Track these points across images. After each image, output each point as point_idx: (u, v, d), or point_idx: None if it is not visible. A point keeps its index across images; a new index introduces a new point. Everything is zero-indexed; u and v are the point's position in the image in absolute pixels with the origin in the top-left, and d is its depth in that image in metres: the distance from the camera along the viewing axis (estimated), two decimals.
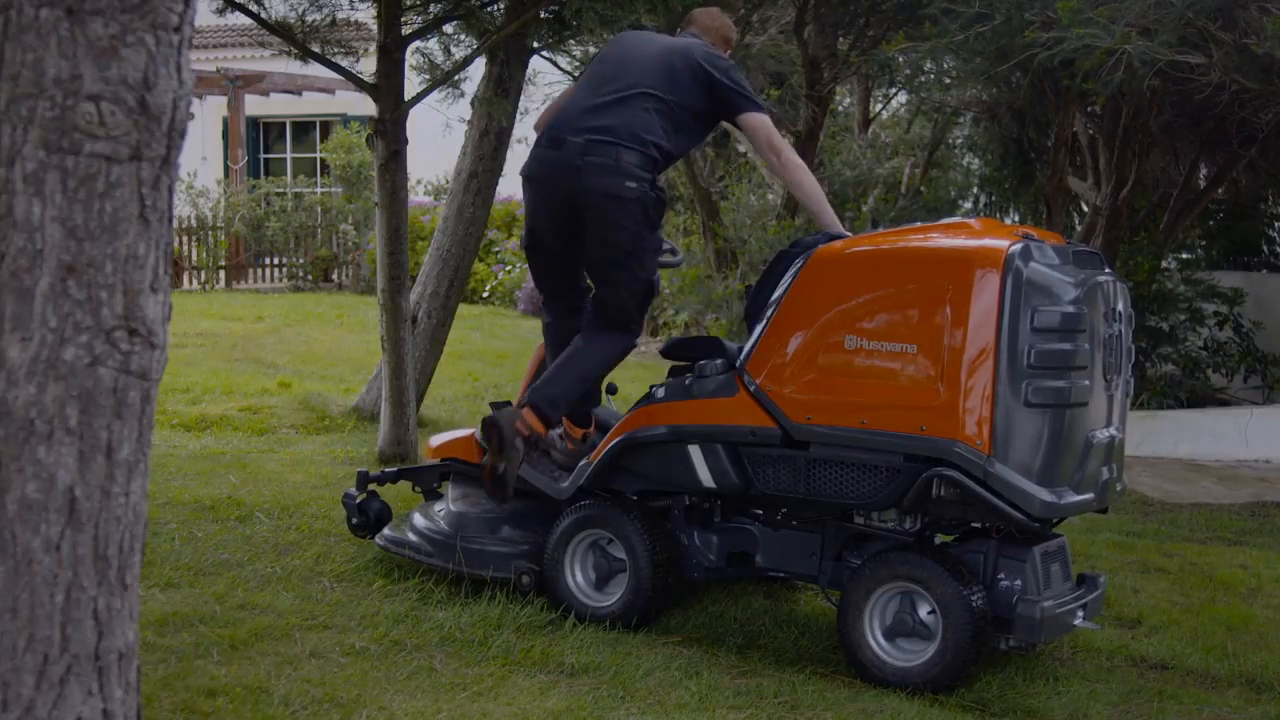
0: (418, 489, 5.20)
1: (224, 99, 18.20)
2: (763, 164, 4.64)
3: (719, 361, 4.29)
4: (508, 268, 16.42)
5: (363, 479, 5.03)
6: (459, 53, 7.62)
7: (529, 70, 7.88)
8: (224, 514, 5.35)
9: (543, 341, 5.06)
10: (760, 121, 4.51)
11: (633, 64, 4.56)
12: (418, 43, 7.05)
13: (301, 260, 18.03)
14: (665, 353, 4.64)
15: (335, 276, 18.17)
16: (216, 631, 3.93)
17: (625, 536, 4.38)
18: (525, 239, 4.71)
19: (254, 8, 6.43)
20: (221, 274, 17.15)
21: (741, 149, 13.89)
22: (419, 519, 4.82)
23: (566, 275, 4.72)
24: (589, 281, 4.71)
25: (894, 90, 13.93)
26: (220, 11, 6.33)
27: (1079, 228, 11.97)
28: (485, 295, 16.32)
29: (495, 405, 5.03)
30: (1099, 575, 4.38)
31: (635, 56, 4.60)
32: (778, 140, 4.54)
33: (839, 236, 4.27)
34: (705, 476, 4.26)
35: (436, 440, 5.16)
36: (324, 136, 19.89)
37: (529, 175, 4.55)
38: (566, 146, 4.39)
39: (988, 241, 3.94)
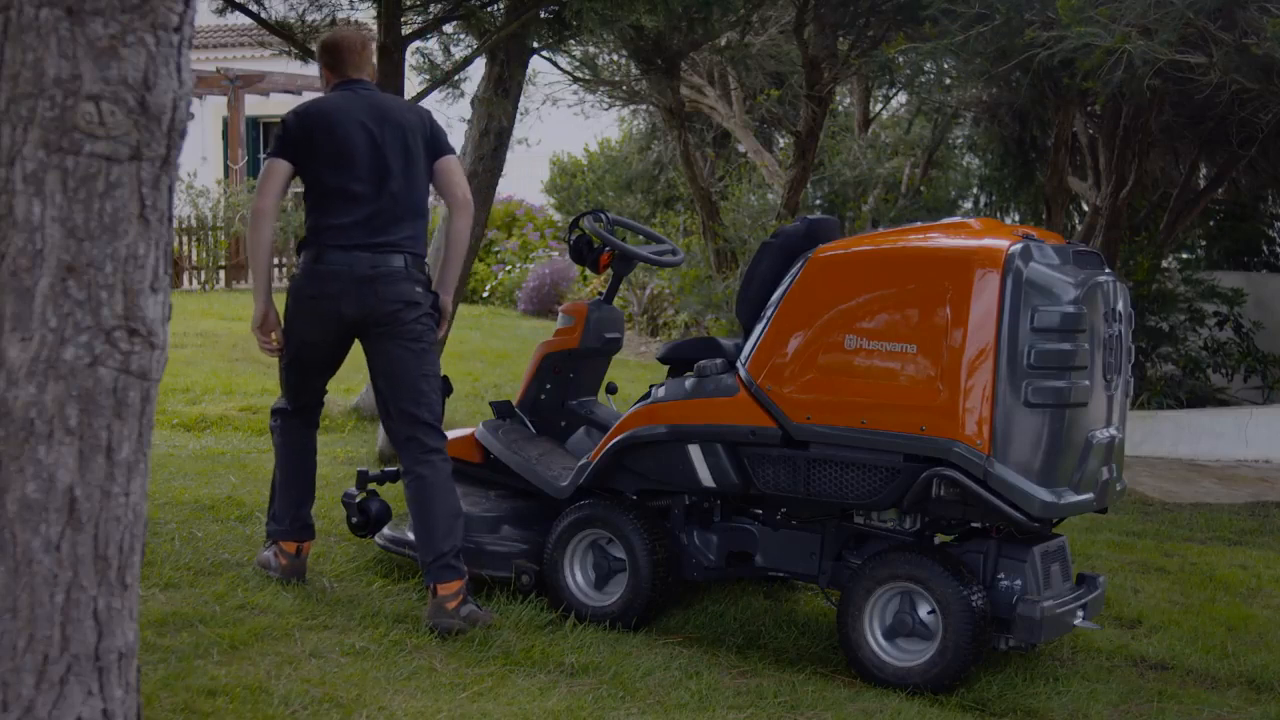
0: None
1: (224, 99, 18.20)
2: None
3: (719, 361, 4.29)
4: (508, 268, 16.42)
5: (363, 478, 5.03)
6: (459, 53, 7.63)
7: (529, 70, 7.89)
8: (224, 514, 5.35)
9: (543, 341, 5.07)
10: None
11: None
12: (418, 43, 7.05)
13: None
14: (663, 359, 4.64)
15: None
16: (216, 631, 3.93)
17: (625, 536, 4.38)
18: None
19: (254, 8, 6.44)
20: (221, 274, 17.14)
21: (741, 149, 13.89)
22: None
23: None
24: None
25: (894, 90, 13.93)
26: (220, 11, 6.34)
27: (1079, 228, 11.97)
28: (485, 295, 16.32)
29: (495, 405, 5.04)
30: (1099, 575, 4.38)
31: None
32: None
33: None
34: (705, 476, 4.26)
35: None
36: None
37: None
38: None
39: (988, 241, 3.94)
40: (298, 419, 4.63)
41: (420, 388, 4.37)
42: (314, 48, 6.64)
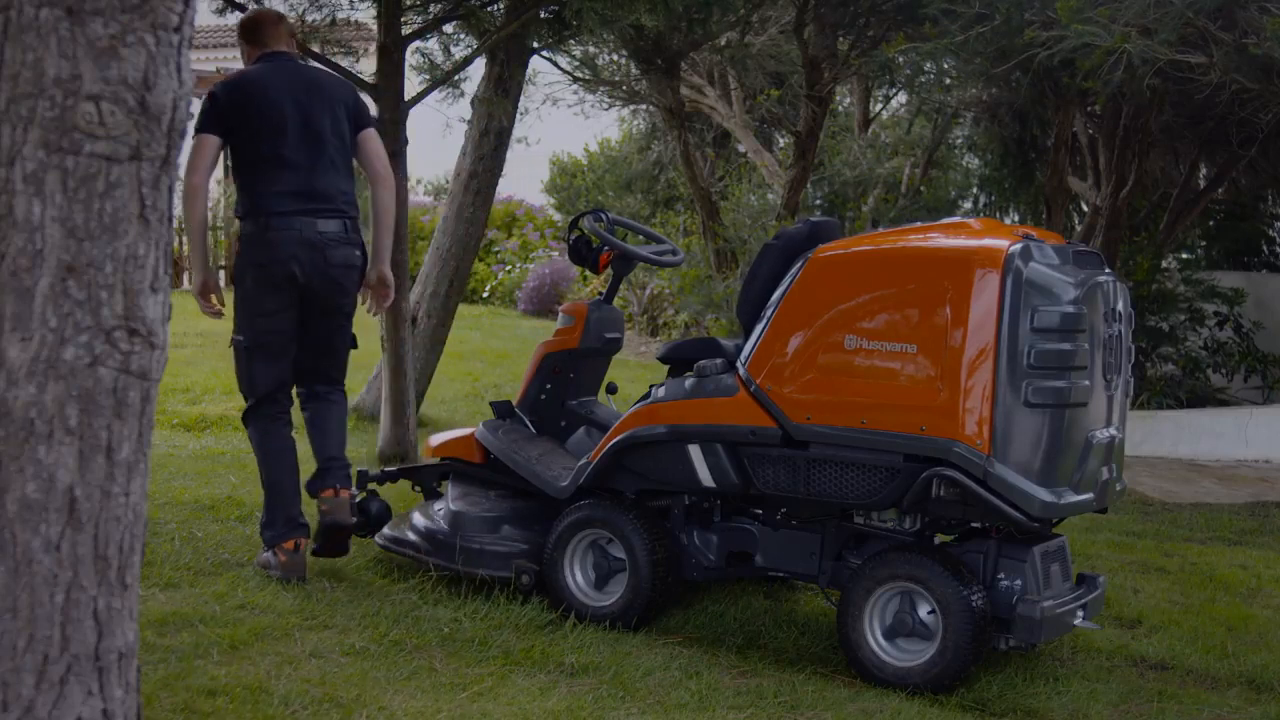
0: (417, 488, 5.20)
1: None
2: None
3: (719, 361, 4.29)
4: (508, 268, 16.42)
5: (363, 478, 5.03)
6: (459, 53, 7.63)
7: (529, 70, 7.89)
8: (224, 514, 5.35)
9: (543, 341, 5.07)
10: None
11: None
12: (418, 43, 7.05)
13: None
14: (663, 359, 4.64)
15: None
16: (216, 631, 3.93)
17: (625, 536, 4.38)
18: None
19: (254, 7, 6.43)
20: (222, 274, 17.13)
21: (741, 149, 13.89)
22: (419, 518, 4.82)
23: None
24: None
25: (894, 90, 13.93)
26: (220, 11, 6.33)
27: (1079, 228, 11.96)
28: (485, 295, 16.32)
29: (495, 405, 5.04)
30: (1099, 575, 4.38)
31: None
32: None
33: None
34: (705, 476, 4.26)
35: (436, 439, 5.16)
36: None
37: None
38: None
39: (988, 241, 3.94)
40: (267, 414, 4.66)
41: (339, 350, 4.79)
42: (314, 48, 6.67)
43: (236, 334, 4.64)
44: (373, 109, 6.48)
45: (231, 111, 4.46)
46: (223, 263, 17.19)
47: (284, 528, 4.56)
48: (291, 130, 4.51)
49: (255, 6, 6.46)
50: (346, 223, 4.60)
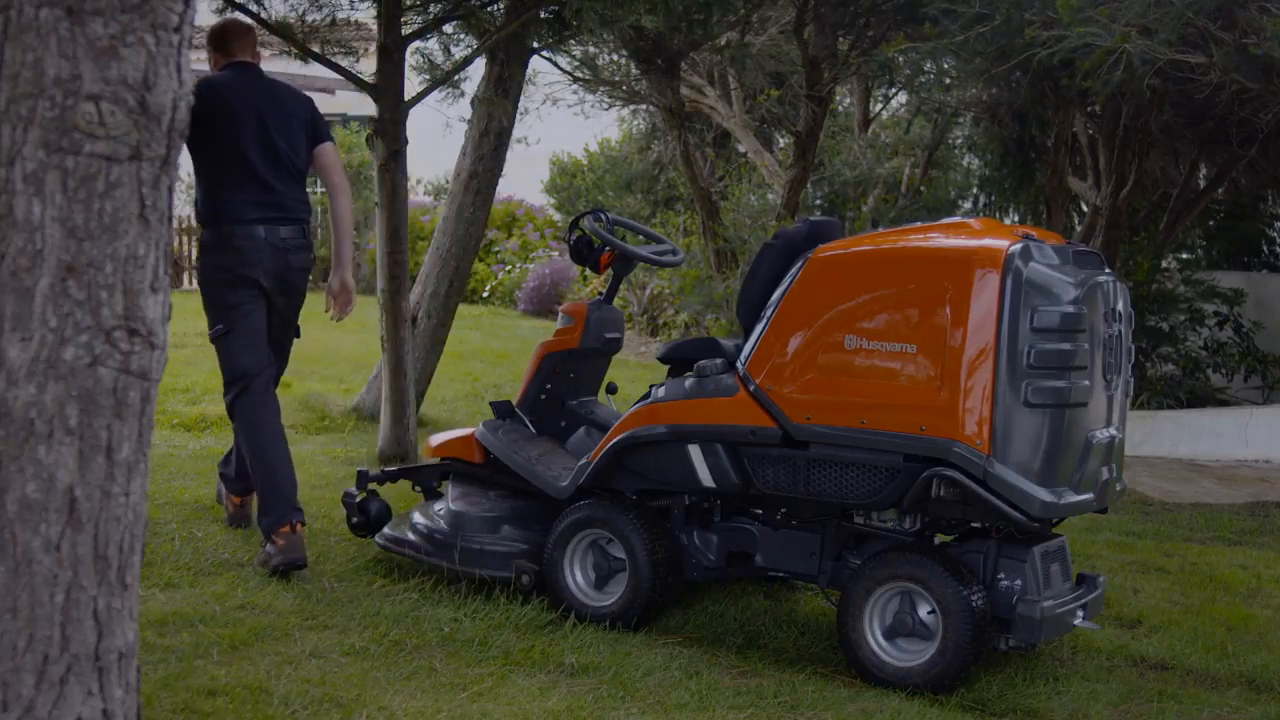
0: (418, 488, 5.20)
1: None
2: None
3: (719, 361, 4.29)
4: (508, 268, 16.42)
5: (363, 478, 5.03)
6: (459, 53, 7.62)
7: (529, 70, 7.89)
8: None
9: (543, 341, 5.07)
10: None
11: None
12: (418, 43, 7.05)
13: None
14: (663, 359, 4.64)
15: None
16: (216, 631, 3.93)
17: (625, 536, 4.38)
18: None
19: (254, 8, 6.43)
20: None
21: (741, 149, 13.89)
22: (419, 518, 4.82)
23: None
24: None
25: (894, 90, 13.92)
26: (220, 11, 6.33)
27: (1079, 228, 11.96)
28: (485, 295, 16.32)
29: (495, 405, 5.04)
30: (1099, 575, 4.38)
31: None
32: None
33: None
34: (705, 476, 4.26)
35: (436, 439, 5.16)
36: None
37: None
38: None
39: (988, 241, 3.94)
40: (252, 402, 4.73)
41: (287, 348, 5.07)
42: (314, 48, 6.67)
43: (213, 327, 4.79)
44: (373, 109, 6.49)
45: (197, 115, 4.58)
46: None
47: (280, 512, 4.60)
48: (253, 139, 4.70)
49: (256, 7, 6.46)
50: (304, 228, 4.87)
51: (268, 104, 4.78)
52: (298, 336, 5.10)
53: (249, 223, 4.69)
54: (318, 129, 4.95)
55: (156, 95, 2.28)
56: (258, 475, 4.70)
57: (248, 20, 5.51)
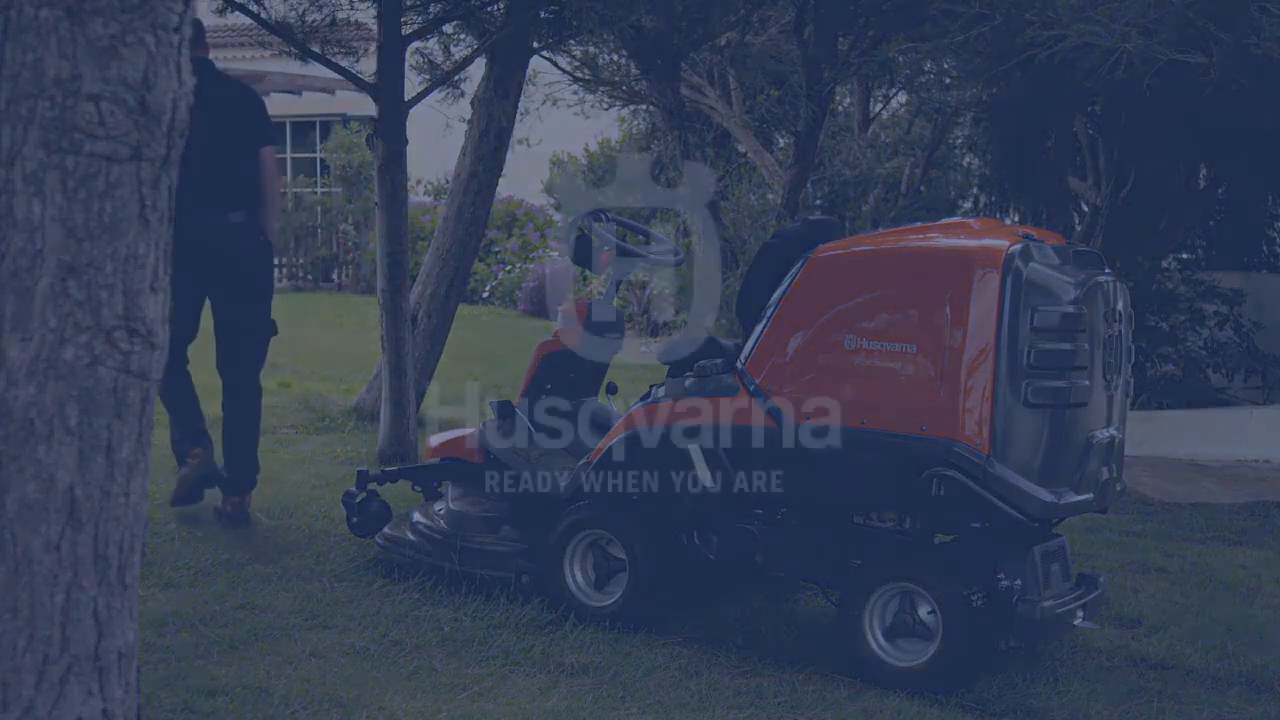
0: (418, 488, 5.20)
1: None
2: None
3: (719, 361, 4.29)
4: (508, 268, 16.42)
5: (363, 478, 5.03)
6: (459, 53, 7.63)
7: (529, 70, 7.88)
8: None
9: (543, 341, 5.07)
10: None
11: None
12: (418, 43, 7.05)
13: (301, 260, 18.01)
14: (663, 359, 4.64)
15: (335, 276, 18.16)
16: (216, 631, 3.93)
17: (624, 536, 4.38)
18: None
19: (254, 8, 6.43)
20: None
21: (741, 149, 13.89)
22: (419, 518, 4.82)
23: None
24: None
25: (894, 90, 13.92)
26: (220, 11, 6.33)
27: (1079, 228, 11.96)
28: (485, 295, 16.32)
29: (495, 405, 5.04)
30: (1099, 575, 4.38)
31: None
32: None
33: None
34: (705, 476, 4.26)
35: (436, 440, 5.16)
36: (324, 136, 19.87)
37: None
38: None
39: (988, 241, 3.94)
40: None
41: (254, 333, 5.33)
42: (314, 48, 6.67)
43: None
44: (373, 109, 6.49)
45: None
46: None
47: (187, 437, 5.25)
48: (199, 130, 4.85)
49: (256, 7, 6.46)
50: (248, 214, 5.16)
51: (218, 97, 4.95)
52: (275, 333, 5.39)
53: (189, 211, 5.03)
54: (263, 128, 5.28)
55: (156, 95, 2.28)
56: (171, 415, 5.29)
57: (198, 18, 5.71)
